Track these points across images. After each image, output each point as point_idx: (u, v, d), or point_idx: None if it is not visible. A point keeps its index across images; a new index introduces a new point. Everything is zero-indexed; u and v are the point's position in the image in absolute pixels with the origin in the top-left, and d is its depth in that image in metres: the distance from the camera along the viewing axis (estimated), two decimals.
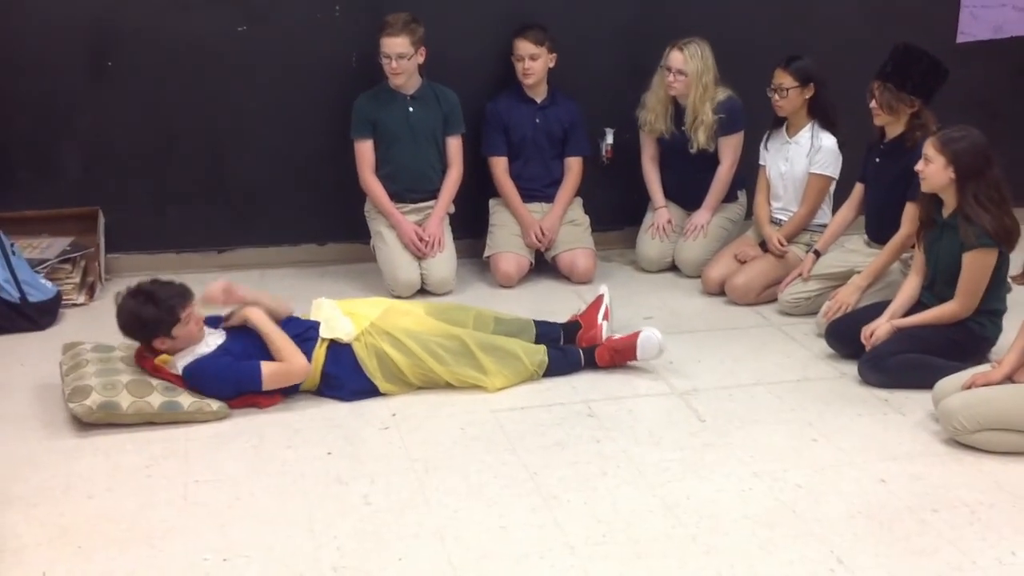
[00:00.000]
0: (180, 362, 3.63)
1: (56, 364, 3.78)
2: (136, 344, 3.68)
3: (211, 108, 4.95)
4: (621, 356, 4.00)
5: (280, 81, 4.98)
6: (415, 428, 3.59)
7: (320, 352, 3.76)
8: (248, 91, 4.96)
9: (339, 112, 4.91)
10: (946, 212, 3.89)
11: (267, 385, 3.63)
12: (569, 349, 4.05)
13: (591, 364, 4.00)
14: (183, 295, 3.59)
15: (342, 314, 3.87)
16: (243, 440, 3.49)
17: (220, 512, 3.08)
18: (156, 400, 3.52)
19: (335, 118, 4.96)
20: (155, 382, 3.57)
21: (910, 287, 4.06)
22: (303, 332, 3.79)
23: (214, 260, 5.14)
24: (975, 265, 3.81)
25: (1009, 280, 3.60)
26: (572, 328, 4.19)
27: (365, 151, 4.86)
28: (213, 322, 3.79)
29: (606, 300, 4.22)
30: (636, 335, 3.99)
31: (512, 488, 3.23)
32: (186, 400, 3.55)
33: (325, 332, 3.80)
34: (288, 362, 3.65)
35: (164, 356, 3.65)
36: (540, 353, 3.93)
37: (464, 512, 3.09)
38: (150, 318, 3.54)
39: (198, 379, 3.61)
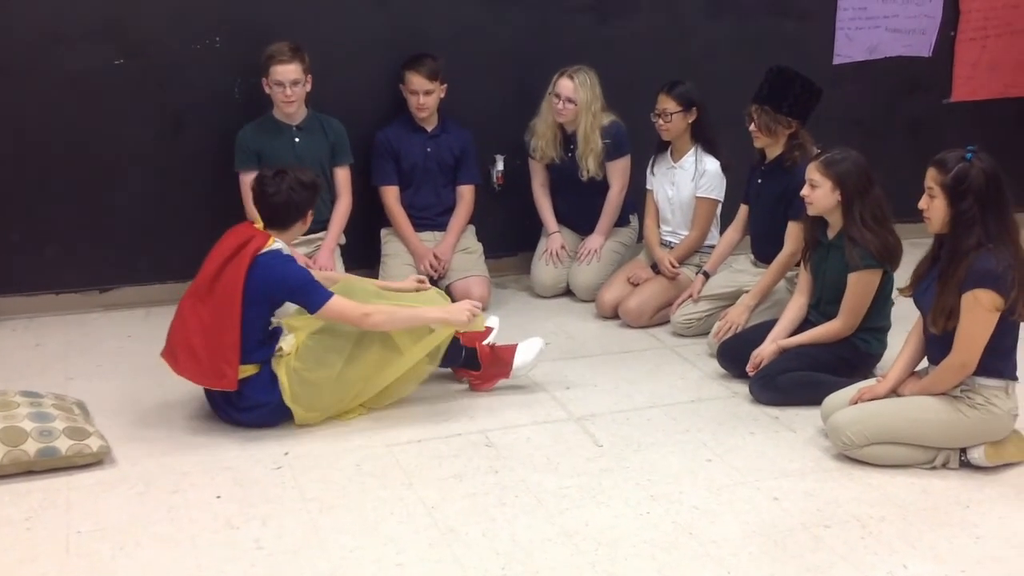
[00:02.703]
0: (278, 245, 3.70)
1: None
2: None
3: (88, 144, 4.81)
4: (499, 353, 4.05)
5: (160, 114, 4.87)
6: (309, 467, 3.52)
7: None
8: (127, 125, 4.83)
9: (222, 144, 4.82)
10: (831, 233, 3.97)
11: (326, 313, 3.65)
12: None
13: (471, 361, 4.04)
14: None
15: (285, 328, 3.83)
16: (127, 487, 3.37)
17: (105, 563, 2.97)
18: (31, 447, 3.38)
19: (218, 150, 4.86)
20: (29, 427, 3.41)
21: (794, 308, 4.13)
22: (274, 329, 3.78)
23: (96, 300, 4.99)
24: (860, 285, 3.89)
25: (896, 291, 3.67)
26: None
27: (250, 183, 4.75)
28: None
29: (492, 336, 4.21)
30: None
31: (409, 523, 3.18)
32: (63, 444, 3.42)
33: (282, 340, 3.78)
34: (370, 320, 3.67)
35: (272, 239, 3.69)
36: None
37: (360, 551, 3.03)
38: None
39: (285, 259, 3.67)
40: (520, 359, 4.06)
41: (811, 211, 3.94)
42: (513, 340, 4.18)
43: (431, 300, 3.99)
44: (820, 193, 3.87)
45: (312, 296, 3.66)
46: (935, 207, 3.37)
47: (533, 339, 4.14)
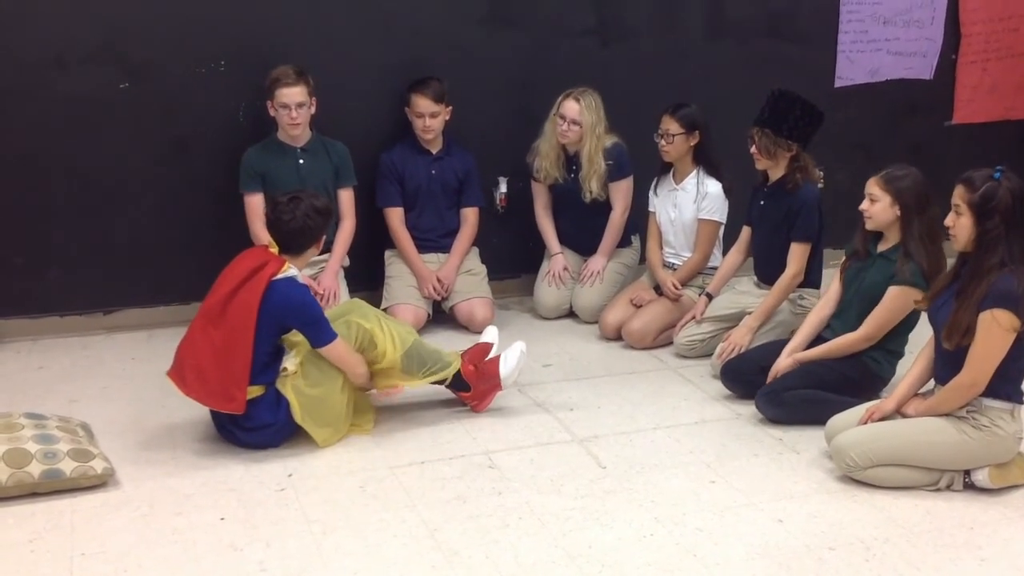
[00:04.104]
0: (293, 271, 3.74)
1: None
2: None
3: (93, 167, 4.82)
4: (484, 368, 4.05)
5: (164, 137, 4.89)
6: (312, 489, 3.52)
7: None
8: (132, 148, 4.86)
9: (227, 167, 4.84)
10: (884, 246, 3.95)
11: (328, 352, 3.71)
12: None
13: (460, 382, 4.04)
14: None
15: (287, 346, 3.84)
16: (131, 509, 3.37)
17: None
18: (36, 469, 3.38)
19: (223, 173, 4.88)
20: (33, 449, 3.42)
21: (813, 322, 4.09)
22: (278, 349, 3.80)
23: (100, 322, 4.99)
24: (898, 300, 3.85)
25: (913, 303, 3.67)
26: None
27: (255, 204, 4.78)
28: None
29: (493, 352, 4.21)
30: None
31: (412, 546, 3.17)
32: (68, 466, 3.42)
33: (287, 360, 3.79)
34: (359, 370, 3.80)
35: (288, 264, 3.72)
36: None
37: (363, 574, 3.03)
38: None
39: (302, 289, 3.75)
40: (505, 368, 4.07)
41: (869, 225, 3.91)
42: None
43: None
44: (879, 207, 3.86)
45: (321, 332, 3.70)
46: (961, 225, 3.37)
47: (513, 345, 4.13)
